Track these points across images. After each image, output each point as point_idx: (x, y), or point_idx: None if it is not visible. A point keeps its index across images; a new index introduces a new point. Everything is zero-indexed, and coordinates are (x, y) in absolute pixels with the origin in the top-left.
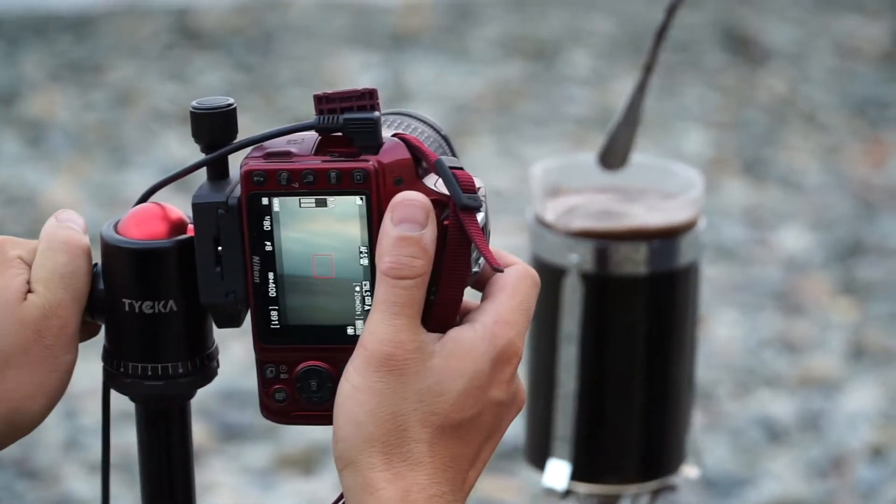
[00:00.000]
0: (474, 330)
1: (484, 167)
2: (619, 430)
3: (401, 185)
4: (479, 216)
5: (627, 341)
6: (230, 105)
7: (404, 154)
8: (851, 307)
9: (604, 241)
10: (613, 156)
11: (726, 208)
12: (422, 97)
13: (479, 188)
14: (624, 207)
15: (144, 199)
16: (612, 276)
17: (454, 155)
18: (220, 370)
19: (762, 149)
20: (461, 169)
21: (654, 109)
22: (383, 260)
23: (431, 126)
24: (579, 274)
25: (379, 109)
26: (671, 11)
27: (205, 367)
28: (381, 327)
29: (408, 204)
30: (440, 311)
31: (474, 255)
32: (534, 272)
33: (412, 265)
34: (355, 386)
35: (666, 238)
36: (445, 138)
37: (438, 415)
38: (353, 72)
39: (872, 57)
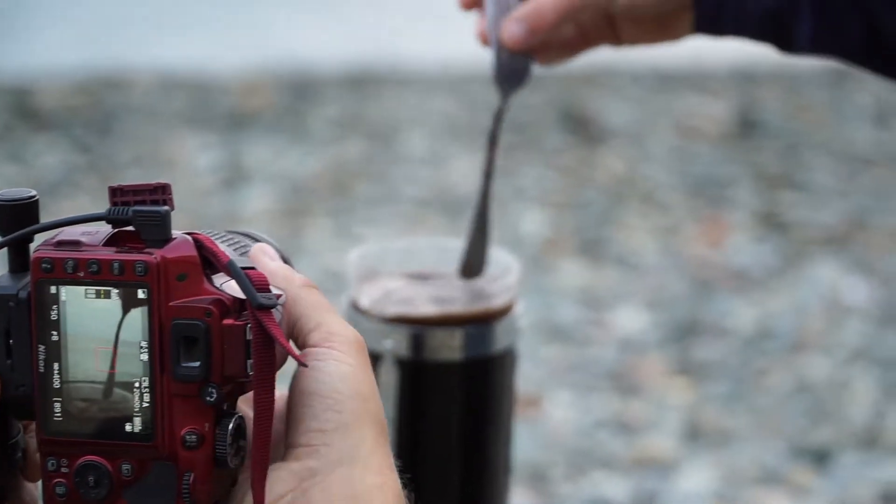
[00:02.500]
0: None
1: (321, 248)
2: None
3: (184, 282)
4: (276, 315)
5: (443, 427)
6: (32, 197)
7: (191, 251)
8: (687, 387)
9: (419, 327)
10: (472, 268)
11: (562, 289)
12: (260, 177)
13: (279, 295)
14: (440, 293)
15: None
16: (428, 362)
17: None
18: None
19: (600, 229)
20: (254, 269)
21: (493, 190)
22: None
23: (269, 245)
24: (394, 360)
25: (171, 204)
26: (498, 118)
27: (8, 457)
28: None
29: None
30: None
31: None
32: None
33: None
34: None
35: (481, 324)
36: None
37: None
38: (192, 152)
39: (712, 136)
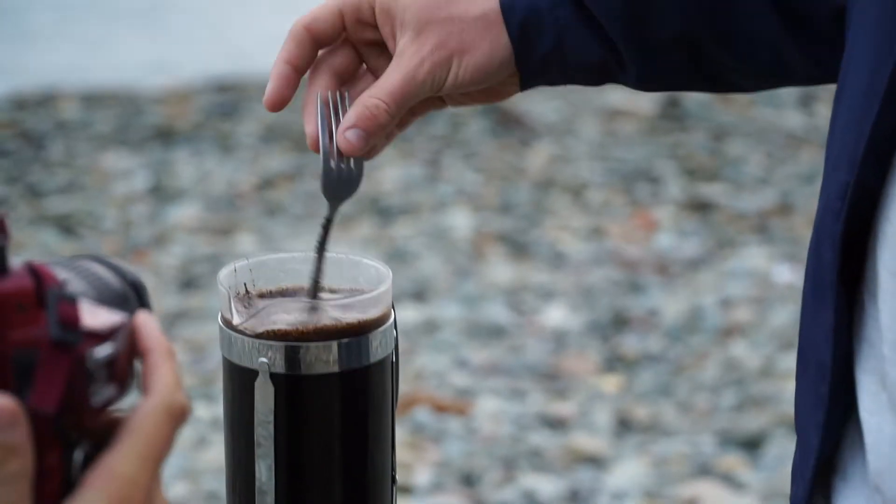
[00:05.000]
0: None
1: None
2: None
3: (23, 313)
4: (104, 348)
5: (323, 439)
6: None
7: (27, 282)
8: (616, 382)
9: (293, 342)
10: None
11: (491, 288)
12: (187, 192)
13: (111, 329)
14: (313, 307)
15: None
16: (304, 376)
17: (144, 303)
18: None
19: (528, 227)
20: (73, 302)
21: (422, 189)
22: None
23: (119, 272)
24: (271, 376)
25: (8, 235)
26: (327, 228)
27: None
28: None
29: None
30: None
31: (94, 387)
32: (170, 404)
33: None
34: None
35: (357, 335)
36: (135, 284)
37: None
38: (119, 169)
39: (638, 130)
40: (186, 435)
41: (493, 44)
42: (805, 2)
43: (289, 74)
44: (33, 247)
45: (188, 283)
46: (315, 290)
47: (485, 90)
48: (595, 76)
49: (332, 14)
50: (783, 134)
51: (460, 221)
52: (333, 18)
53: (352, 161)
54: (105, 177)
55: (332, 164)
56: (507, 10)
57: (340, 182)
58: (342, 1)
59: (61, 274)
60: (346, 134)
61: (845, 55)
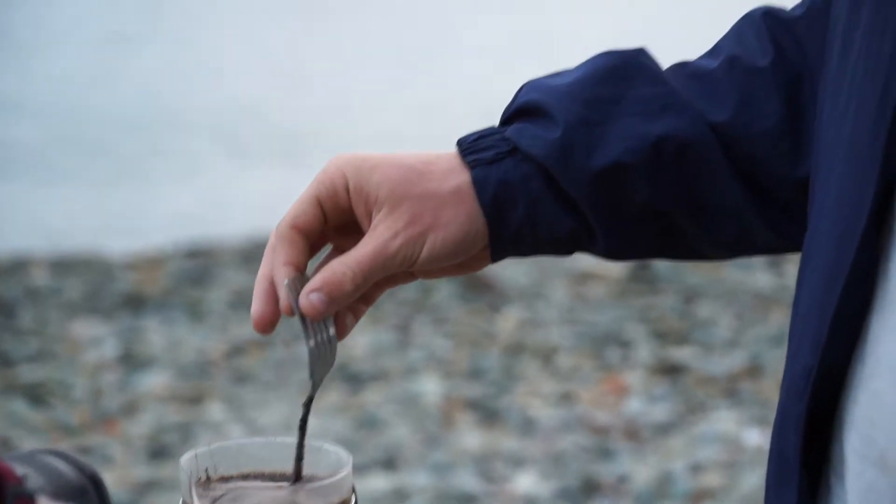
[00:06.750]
0: None
1: (216, 432)
2: None
3: None
4: None
5: None
6: None
7: None
8: None
9: None
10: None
11: (461, 455)
12: (156, 361)
13: None
14: (274, 493)
15: None
16: None
17: (102, 496)
18: None
19: (498, 392)
20: (30, 499)
21: (392, 355)
22: None
23: (77, 466)
24: None
25: None
26: (308, 405)
27: None
28: None
29: None
30: None
31: None
32: None
33: None
34: None
35: None
36: (93, 478)
37: None
38: (87, 338)
39: (608, 293)
40: None
41: (467, 218)
42: (768, 174)
43: (271, 290)
44: (2, 417)
45: (158, 452)
46: (298, 469)
47: (457, 267)
48: (565, 246)
49: (312, 205)
50: (752, 295)
51: (430, 387)
52: (314, 209)
53: (328, 339)
54: (75, 345)
55: (311, 342)
56: (479, 184)
57: (321, 364)
58: (316, 189)
59: (20, 469)
60: (310, 296)
61: (807, 236)
